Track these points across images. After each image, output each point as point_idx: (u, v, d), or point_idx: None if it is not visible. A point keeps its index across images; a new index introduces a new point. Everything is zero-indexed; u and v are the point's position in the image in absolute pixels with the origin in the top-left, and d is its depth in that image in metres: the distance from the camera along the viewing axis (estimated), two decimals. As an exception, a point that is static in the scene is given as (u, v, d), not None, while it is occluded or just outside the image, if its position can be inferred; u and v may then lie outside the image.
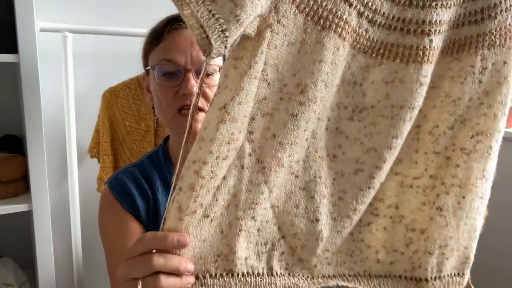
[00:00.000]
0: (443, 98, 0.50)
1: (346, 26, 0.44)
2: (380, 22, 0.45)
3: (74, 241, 1.37)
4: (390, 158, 0.50)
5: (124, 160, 1.38)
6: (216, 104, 0.43)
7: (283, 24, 0.42)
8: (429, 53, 0.47)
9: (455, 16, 0.47)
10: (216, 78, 0.77)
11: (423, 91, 0.48)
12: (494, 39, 0.48)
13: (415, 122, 0.50)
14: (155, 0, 1.57)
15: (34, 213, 1.10)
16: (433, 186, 0.52)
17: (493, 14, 0.48)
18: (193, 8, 0.38)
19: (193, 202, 0.43)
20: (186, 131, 0.45)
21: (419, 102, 0.48)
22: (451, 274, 0.54)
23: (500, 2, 0.47)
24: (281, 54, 0.43)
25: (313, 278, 0.51)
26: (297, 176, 0.48)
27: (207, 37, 0.38)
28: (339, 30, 0.43)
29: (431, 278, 0.53)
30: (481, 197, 0.53)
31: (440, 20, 0.46)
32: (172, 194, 0.44)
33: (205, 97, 0.75)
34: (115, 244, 0.78)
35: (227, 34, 0.38)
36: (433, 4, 0.46)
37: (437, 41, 0.47)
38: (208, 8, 0.38)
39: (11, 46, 1.04)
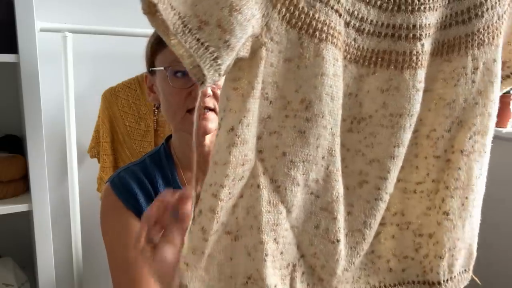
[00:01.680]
0: (437, 101, 0.49)
1: (340, 37, 0.43)
2: (369, 30, 0.44)
3: (74, 241, 1.37)
4: (395, 168, 0.49)
5: (124, 160, 1.38)
6: (224, 127, 0.43)
7: (277, 41, 0.41)
8: (422, 58, 0.46)
9: (442, 18, 0.47)
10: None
11: (419, 96, 0.47)
12: (483, 38, 0.47)
13: (414, 127, 0.49)
14: (155, 0, 1.57)
15: (34, 213, 1.10)
16: (436, 190, 0.52)
17: (479, 13, 0.47)
18: (180, 38, 0.36)
19: (215, 223, 0.43)
20: (194, 133, 0.45)
21: (417, 108, 0.48)
22: (460, 272, 0.54)
23: (486, 1, 0.47)
24: (279, 71, 0.42)
25: None
26: (317, 196, 0.46)
27: (198, 66, 0.37)
28: (335, 41, 0.42)
29: (444, 281, 0.53)
30: (480, 193, 0.53)
31: (429, 24, 0.46)
32: (193, 215, 0.45)
33: (216, 97, 0.76)
34: (118, 244, 0.77)
35: (219, 62, 0.37)
36: (422, 7, 0.45)
37: (427, 45, 0.46)
38: (196, 37, 0.36)
39: (11, 46, 1.04)
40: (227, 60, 0.38)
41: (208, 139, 0.82)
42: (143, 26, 1.14)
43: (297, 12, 0.41)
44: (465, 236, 0.53)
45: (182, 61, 0.38)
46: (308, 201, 0.47)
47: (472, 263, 0.56)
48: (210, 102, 0.75)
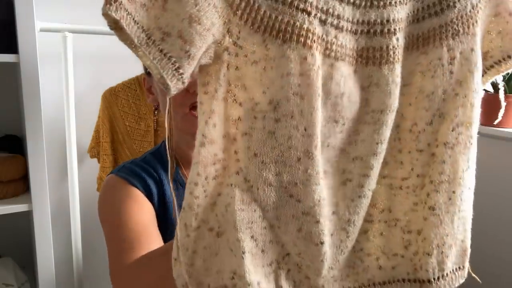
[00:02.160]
0: (417, 94, 0.49)
1: (310, 35, 0.42)
2: (347, 28, 0.45)
3: (74, 241, 1.37)
4: (377, 165, 0.49)
5: (124, 160, 1.38)
6: (198, 130, 0.45)
7: (240, 46, 0.42)
8: (398, 52, 0.46)
9: (413, 12, 0.47)
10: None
11: (398, 91, 0.48)
12: (457, 28, 0.47)
13: (394, 122, 0.49)
14: (155, 0, 1.57)
15: (34, 213, 1.10)
16: (422, 185, 0.51)
17: (451, 4, 0.47)
18: (144, 50, 0.38)
19: (194, 220, 0.45)
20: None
21: (396, 103, 0.48)
22: (453, 270, 0.53)
23: None
24: (245, 74, 0.43)
25: None
26: (299, 201, 0.46)
27: (163, 77, 0.39)
28: (302, 39, 0.42)
29: (434, 279, 0.52)
30: (469, 188, 0.52)
31: (400, 18, 0.46)
32: (180, 213, 0.47)
33: None
34: (126, 211, 0.71)
35: (181, 71, 0.40)
36: (393, 2, 0.45)
37: (401, 39, 0.46)
38: (159, 48, 0.39)
39: (11, 46, 1.04)
40: (189, 69, 0.40)
41: None
42: (143, 26, 1.14)
43: (259, 17, 0.41)
44: (455, 231, 0.52)
45: (151, 72, 0.40)
46: (289, 204, 0.47)
47: (467, 259, 0.55)
48: None
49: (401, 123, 0.50)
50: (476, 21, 0.48)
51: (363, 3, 0.45)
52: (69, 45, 1.27)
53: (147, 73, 0.83)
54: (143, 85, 0.88)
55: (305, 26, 0.42)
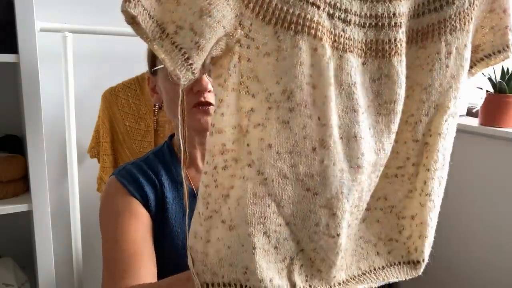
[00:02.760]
0: (414, 87, 0.51)
1: (320, 27, 0.44)
2: (355, 21, 0.46)
3: (74, 241, 1.37)
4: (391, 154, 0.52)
5: (124, 160, 1.38)
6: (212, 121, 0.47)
7: (252, 38, 0.43)
8: (403, 45, 0.48)
9: (414, 7, 0.48)
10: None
11: (405, 82, 0.49)
12: (455, 24, 0.49)
13: None
14: (155, 0, 1.57)
15: (34, 213, 1.10)
16: (417, 173, 0.54)
17: (451, 0, 0.49)
18: (158, 44, 0.40)
19: (206, 209, 0.47)
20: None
21: (404, 93, 0.50)
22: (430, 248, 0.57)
23: None
24: (258, 66, 0.44)
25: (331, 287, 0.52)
26: (316, 194, 0.46)
27: (175, 68, 0.41)
28: (313, 31, 0.43)
29: (423, 260, 0.55)
30: (447, 171, 0.55)
31: (403, 12, 0.47)
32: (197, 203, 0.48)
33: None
34: (122, 227, 0.74)
35: (190, 62, 0.41)
36: None
37: (404, 34, 0.48)
38: (172, 41, 0.40)
39: (11, 46, 1.04)
40: (198, 60, 0.42)
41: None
42: (143, 26, 1.13)
43: (270, 9, 0.43)
44: (437, 213, 0.55)
45: (164, 64, 0.42)
46: (306, 198, 0.47)
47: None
48: (211, 98, 0.76)
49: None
50: (472, 18, 0.50)
51: None
52: (69, 45, 1.27)
53: (152, 72, 0.83)
54: (148, 84, 0.88)
55: (315, 19, 0.43)
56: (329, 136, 0.45)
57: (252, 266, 0.46)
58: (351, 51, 0.46)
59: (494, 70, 1.33)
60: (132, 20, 0.40)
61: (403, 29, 0.48)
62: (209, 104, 0.76)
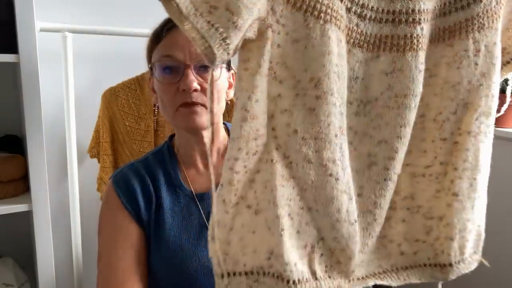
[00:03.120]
0: (442, 85, 0.51)
1: (342, 20, 0.45)
2: (371, 16, 0.47)
3: (74, 241, 1.37)
4: (402, 148, 0.50)
5: (124, 160, 1.38)
6: (237, 106, 0.45)
7: (282, 24, 0.43)
8: (422, 41, 0.48)
9: (440, 5, 0.49)
10: (216, 73, 0.77)
11: (421, 77, 0.49)
12: (482, 22, 0.49)
13: (419, 111, 0.51)
14: (155, 0, 1.57)
15: (34, 213, 1.10)
16: (445, 173, 0.53)
17: None
18: (192, 22, 0.39)
19: (234, 195, 0.46)
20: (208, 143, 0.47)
21: (420, 88, 0.49)
22: (470, 253, 0.55)
23: None
24: (286, 52, 0.44)
25: (349, 281, 0.51)
26: (337, 179, 0.47)
27: (209, 46, 0.40)
28: (338, 23, 0.45)
29: (455, 262, 0.53)
30: (487, 174, 0.54)
31: (426, 9, 0.48)
32: (218, 190, 0.47)
33: (205, 92, 0.76)
34: (110, 240, 0.79)
35: (228, 41, 0.41)
36: None
37: (426, 29, 0.48)
38: (206, 19, 0.40)
39: (11, 46, 1.04)
40: (235, 40, 0.41)
41: (207, 136, 0.82)
42: (143, 26, 1.14)
43: None
44: (474, 217, 0.53)
45: (194, 44, 0.41)
46: (329, 184, 0.47)
47: (481, 244, 0.56)
48: (199, 98, 0.75)
49: (426, 113, 0.51)
50: (499, 16, 0.50)
51: None
52: (69, 45, 1.27)
53: (150, 72, 0.83)
54: (148, 85, 0.89)
55: (340, 11, 0.44)
56: (345, 124, 0.47)
57: (279, 249, 0.46)
58: (360, 46, 0.47)
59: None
60: None
61: (423, 25, 0.48)
62: (196, 104, 0.75)
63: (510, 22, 0.53)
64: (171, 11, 0.40)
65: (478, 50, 0.50)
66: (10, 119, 1.36)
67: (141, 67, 1.38)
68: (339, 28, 0.45)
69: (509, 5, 0.52)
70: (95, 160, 1.42)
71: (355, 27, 0.46)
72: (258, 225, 0.47)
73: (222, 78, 0.79)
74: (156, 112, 1.37)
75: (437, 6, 0.49)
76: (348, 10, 0.46)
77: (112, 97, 1.35)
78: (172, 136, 0.90)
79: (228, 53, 0.41)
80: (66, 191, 1.40)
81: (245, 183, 0.47)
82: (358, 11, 0.46)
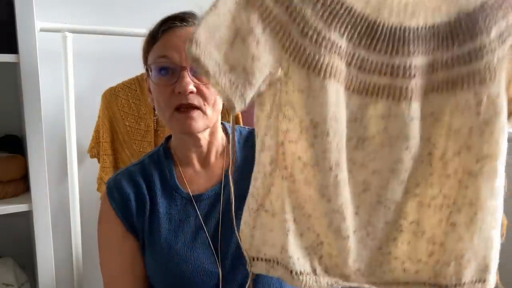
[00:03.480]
0: (447, 129, 0.56)
1: (342, 73, 0.54)
2: (370, 69, 0.55)
3: (74, 241, 1.37)
4: (394, 180, 0.57)
5: (124, 160, 1.38)
6: (257, 138, 0.57)
7: (289, 77, 0.54)
8: (416, 93, 0.55)
9: (443, 59, 0.55)
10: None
11: (415, 124, 0.56)
12: (484, 76, 0.54)
13: (427, 149, 0.57)
14: (155, 0, 1.57)
15: (34, 213, 1.10)
16: (447, 205, 0.59)
17: (479, 55, 0.54)
18: (217, 79, 0.50)
19: (255, 204, 0.59)
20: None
21: (413, 133, 0.56)
22: (472, 281, 0.60)
23: (485, 45, 0.54)
24: (293, 98, 0.54)
25: (347, 281, 0.60)
26: (329, 200, 0.56)
27: (230, 99, 0.51)
28: (338, 77, 0.53)
29: (452, 285, 0.59)
30: (493, 213, 0.58)
31: (420, 64, 0.55)
32: (247, 200, 0.60)
33: (202, 95, 0.76)
34: (105, 253, 0.82)
35: (244, 96, 0.52)
36: (415, 52, 0.54)
37: (420, 82, 0.55)
38: (229, 78, 0.51)
39: (11, 46, 1.04)
40: (250, 94, 0.53)
41: (205, 138, 0.82)
42: (143, 26, 1.14)
43: (304, 56, 0.53)
44: (475, 248, 0.59)
45: (220, 96, 0.55)
46: (321, 203, 0.56)
47: (489, 274, 0.61)
48: (195, 100, 0.75)
49: (433, 151, 0.58)
50: (502, 70, 0.55)
51: (389, 51, 0.54)
52: (69, 45, 1.27)
53: (147, 73, 0.83)
54: (146, 85, 0.88)
55: (338, 66, 0.53)
56: (343, 158, 0.56)
57: (286, 246, 0.57)
58: (359, 93, 0.55)
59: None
60: (195, 59, 0.49)
61: (418, 79, 0.55)
62: (191, 106, 0.75)
63: None
64: (201, 70, 0.50)
65: (479, 101, 0.55)
66: (10, 119, 1.36)
67: (141, 67, 1.37)
68: (338, 81, 0.53)
69: None
70: (95, 160, 1.42)
71: (355, 78, 0.55)
72: (274, 225, 0.58)
73: None
74: (156, 112, 1.37)
75: (439, 59, 0.55)
76: (349, 64, 0.54)
77: (112, 97, 1.35)
78: (168, 138, 0.89)
79: (245, 105, 0.52)
80: (66, 191, 1.41)
81: (264, 195, 0.58)
82: (358, 64, 0.54)
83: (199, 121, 0.76)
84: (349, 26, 0.53)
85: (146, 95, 1.35)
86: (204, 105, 0.76)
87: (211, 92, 0.76)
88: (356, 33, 0.54)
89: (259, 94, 0.55)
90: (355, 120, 0.56)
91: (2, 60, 1.03)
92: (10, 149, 1.26)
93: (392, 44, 0.54)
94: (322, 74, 0.52)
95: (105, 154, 1.37)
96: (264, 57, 0.52)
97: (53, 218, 1.16)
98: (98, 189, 1.44)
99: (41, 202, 1.11)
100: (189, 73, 0.74)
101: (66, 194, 1.42)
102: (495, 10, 0.55)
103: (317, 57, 0.52)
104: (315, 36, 0.52)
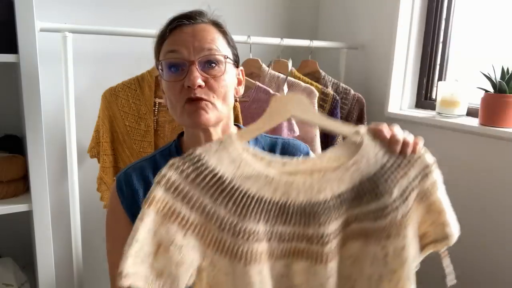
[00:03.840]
0: (360, 273, 0.65)
1: (263, 252, 0.62)
2: (288, 238, 0.63)
3: (74, 241, 1.37)
4: None
5: (124, 160, 1.38)
6: None
7: (214, 265, 0.61)
8: (330, 255, 0.63)
9: (353, 216, 0.63)
10: (221, 68, 0.78)
11: (333, 279, 0.64)
12: (389, 232, 0.63)
13: (349, 285, 0.65)
14: (155, 0, 1.57)
15: (34, 213, 1.10)
16: None
17: (384, 214, 0.62)
18: (150, 284, 0.58)
19: None
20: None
21: (330, 285, 0.64)
22: None
23: (388, 205, 0.62)
24: (221, 280, 0.62)
25: None
26: None
27: None
28: (258, 259, 0.61)
29: None
30: None
31: (332, 230, 0.63)
32: None
33: (211, 89, 0.76)
34: (113, 243, 0.82)
35: None
36: (326, 222, 0.62)
37: (334, 245, 0.63)
38: (157, 284, 0.58)
39: (11, 46, 1.04)
40: None
41: (217, 134, 0.82)
42: (143, 26, 1.14)
43: (225, 248, 0.61)
44: None
45: None
46: None
47: None
48: (203, 94, 0.75)
49: (355, 286, 0.66)
50: (407, 225, 0.63)
51: (303, 224, 0.62)
52: (69, 45, 1.27)
53: (160, 73, 0.84)
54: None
55: (258, 250, 0.61)
56: None
57: None
58: (282, 257, 0.63)
59: (494, 70, 1.33)
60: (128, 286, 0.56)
61: (332, 243, 0.63)
62: (200, 99, 0.76)
63: (425, 217, 0.65)
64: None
65: (386, 254, 0.63)
66: (10, 119, 1.36)
67: (141, 67, 1.39)
68: (259, 263, 0.61)
69: (422, 208, 0.65)
70: (95, 160, 1.42)
71: (276, 248, 0.63)
72: None
73: (229, 74, 0.79)
74: (156, 112, 1.37)
75: (350, 217, 0.63)
76: (269, 239, 0.62)
77: (112, 97, 1.35)
78: (180, 135, 0.90)
79: None
80: (66, 191, 1.41)
81: None
82: (277, 237, 0.62)
83: (209, 113, 0.76)
84: (263, 212, 0.62)
85: (146, 95, 1.35)
86: (213, 97, 0.77)
87: (221, 85, 0.77)
88: (271, 216, 0.62)
89: (197, 270, 0.62)
90: (282, 276, 0.64)
91: (2, 60, 1.03)
92: (10, 149, 1.26)
93: (304, 218, 0.62)
94: (242, 261, 0.60)
95: (105, 154, 1.37)
96: (189, 258, 0.60)
97: (53, 218, 1.16)
98: (98, 189, 1.43)
99: (41, 202, 1.11)
100: (197, 67, 0.75)
101: (66, 194, 1.42)
102: (395, 171, 0.64)
103: (236, 247, 0.60)
104: (231, 230, 0.60)
